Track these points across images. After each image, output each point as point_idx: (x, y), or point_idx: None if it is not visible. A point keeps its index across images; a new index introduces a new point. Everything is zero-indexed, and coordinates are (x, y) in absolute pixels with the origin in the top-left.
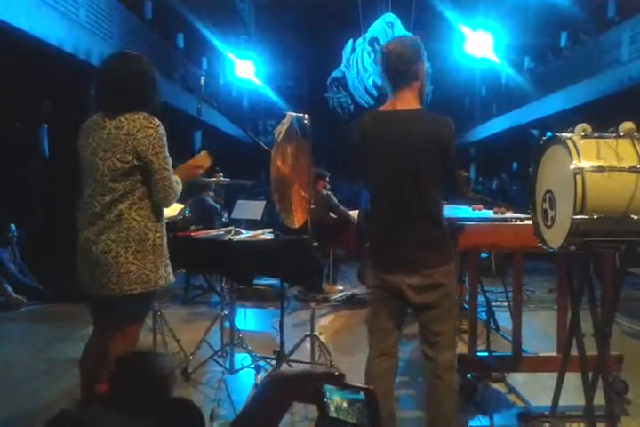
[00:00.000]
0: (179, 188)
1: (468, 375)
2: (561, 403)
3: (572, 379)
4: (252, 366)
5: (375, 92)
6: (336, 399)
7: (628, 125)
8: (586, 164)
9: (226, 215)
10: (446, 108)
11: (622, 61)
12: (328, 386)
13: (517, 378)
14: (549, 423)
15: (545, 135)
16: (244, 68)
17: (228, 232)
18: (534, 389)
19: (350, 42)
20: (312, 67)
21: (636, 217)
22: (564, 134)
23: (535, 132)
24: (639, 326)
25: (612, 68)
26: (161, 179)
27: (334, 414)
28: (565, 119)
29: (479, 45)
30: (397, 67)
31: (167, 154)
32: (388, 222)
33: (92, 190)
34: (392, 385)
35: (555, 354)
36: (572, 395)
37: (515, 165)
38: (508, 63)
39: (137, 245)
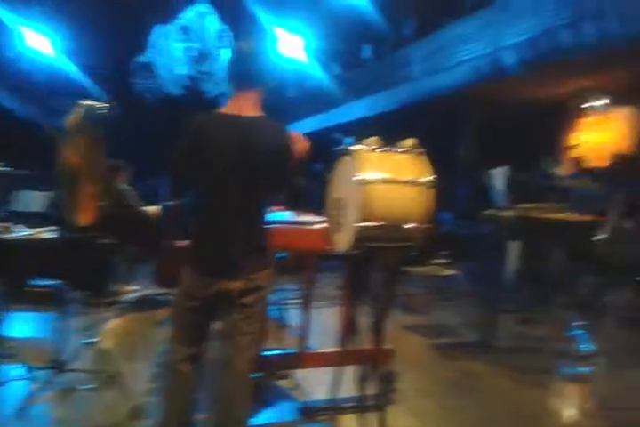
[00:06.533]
0: None
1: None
2: (342, 395)
3: (353, 372)
4: (25, 377)
5: (185, 82)
6: None
7: (409, 142)
8: (370, 175)
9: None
10: None
11: (414, 77)
12: None
13: (303, 374)
14: (327, 416)
15: (346, 140)
16: (39, 41)
17: (4, 229)
18: (317, 384)
19: (160, 28)
20: (120, 46)
21: (407, 226)
22: (353, 147)
23: (338, 136)
24: (411, 319)
25: (406, 81)
26: None
27: None
28: (368, 125)
29: (290, 47)
30: (247, 69)
31: None
32: (218, 227)
33: None
34: (195, 390)
35: (336, 349)
36: (353, 387)
37: (317, 166)
38: (317, 67)
39: None
